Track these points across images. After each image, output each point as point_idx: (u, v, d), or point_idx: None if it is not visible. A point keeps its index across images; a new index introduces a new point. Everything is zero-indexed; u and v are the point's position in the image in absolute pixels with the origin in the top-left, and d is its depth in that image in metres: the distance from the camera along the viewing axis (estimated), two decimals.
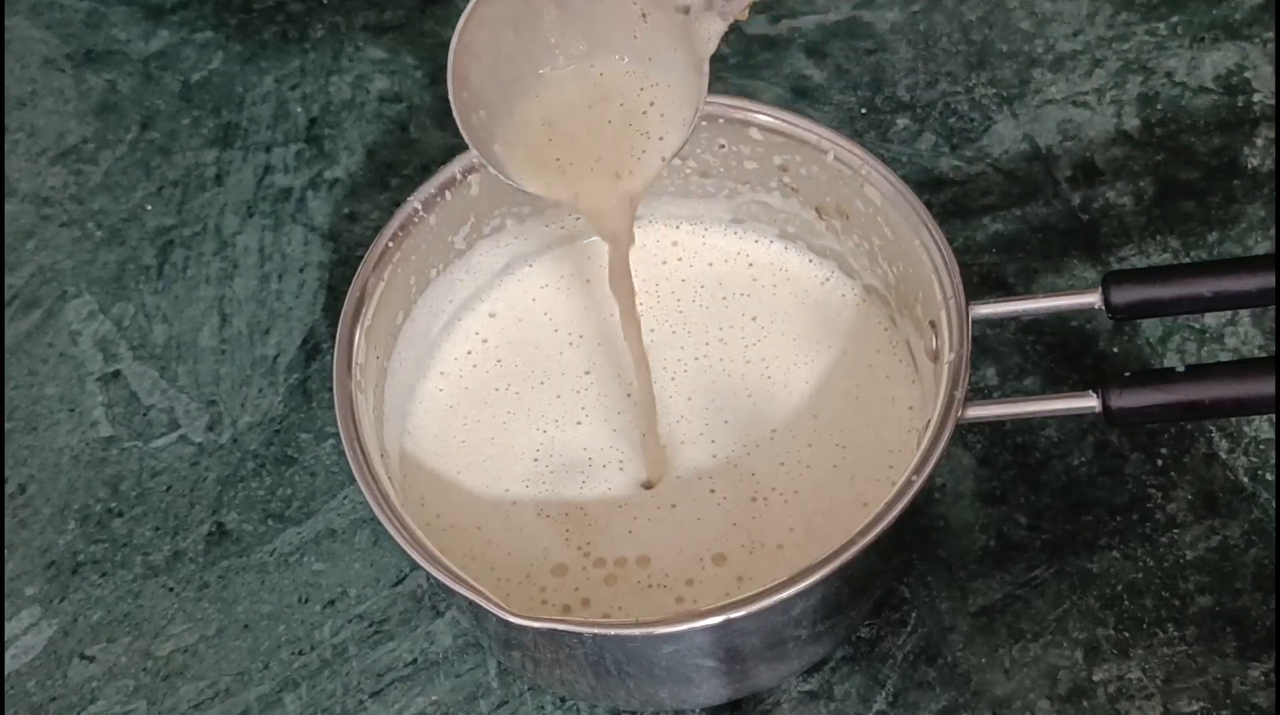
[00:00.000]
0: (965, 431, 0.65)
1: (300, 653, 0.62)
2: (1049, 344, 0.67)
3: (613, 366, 0.65)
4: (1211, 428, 0.64)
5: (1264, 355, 0.66)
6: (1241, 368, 0.53)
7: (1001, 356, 0.67)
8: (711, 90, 0.76)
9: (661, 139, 0.57)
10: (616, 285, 0.59)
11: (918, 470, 0.53)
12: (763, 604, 0.51)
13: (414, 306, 0.63)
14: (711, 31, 0.55)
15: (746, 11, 0.55)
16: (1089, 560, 0.62)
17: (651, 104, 0.57)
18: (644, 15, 0.55)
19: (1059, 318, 0.68)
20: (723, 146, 0.64)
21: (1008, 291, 0.69)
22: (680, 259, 0.68)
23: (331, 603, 0.63)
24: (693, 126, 0.56)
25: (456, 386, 0.65)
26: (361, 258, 0.60)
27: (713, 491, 0.61)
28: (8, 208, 0.77)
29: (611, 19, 0.56)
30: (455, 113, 0.55)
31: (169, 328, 0.72)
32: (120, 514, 0.66)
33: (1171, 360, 0.67)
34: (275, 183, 0.76)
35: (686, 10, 0.54)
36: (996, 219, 0.72)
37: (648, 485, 0.61)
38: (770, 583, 0.51)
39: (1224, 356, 0.67)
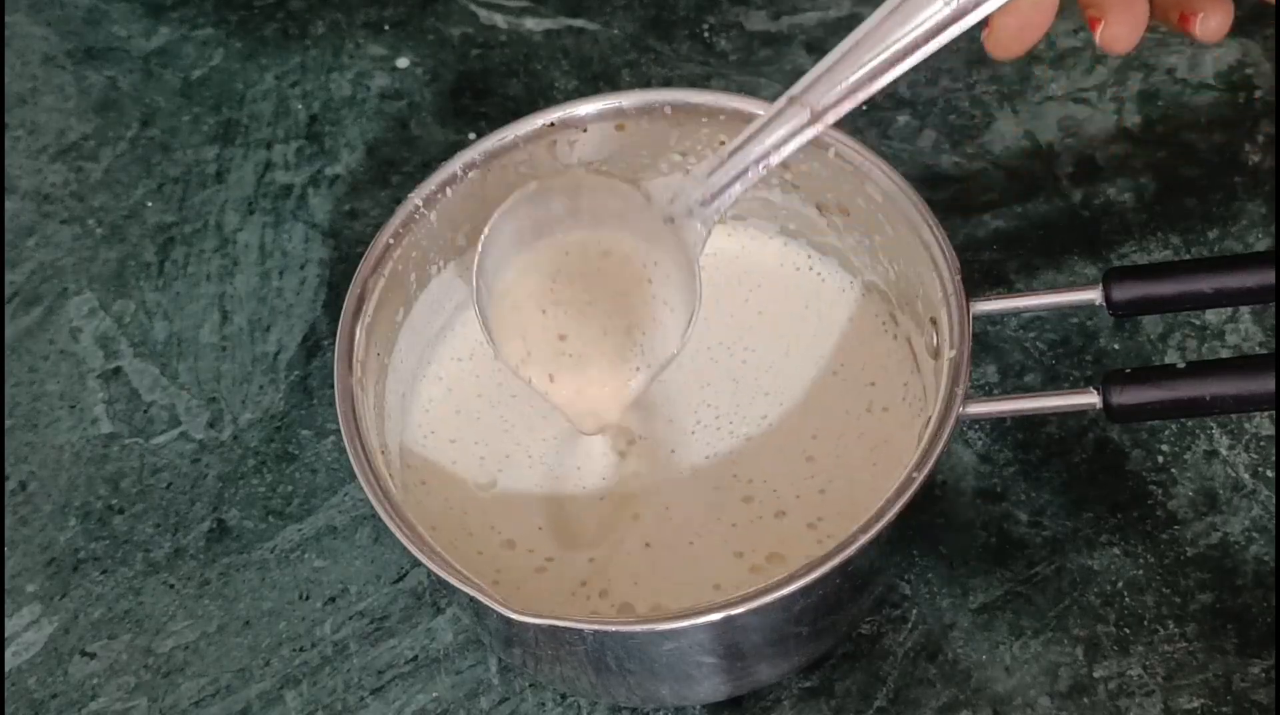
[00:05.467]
0: (966, 428, 0.65)
1: (301, 650, 0.62)
2: (1050, 341, 0.67)
3: None
4: (1212, 424, 0.64)
5: (1265, 352, 0.66)
6: (1242, 364, 0.53)
7: (1002, 353, 0.67)
8: (712, 87, 0.77)
9: (661, 329, 0.59)
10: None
11: (918, 467, 0.53)
12: (763, 600, 0.51)
13: (415, 303, 0.63)
14: (697, 236, 0.57)
15: (727, 217, 0.61)
16: (1090, 557, 0.62)
17: (651, 282, 0.59)
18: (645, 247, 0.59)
19: (1060, 314, 0.68)
20: (723, 142, 0.64)
21: (1008, 288, 0.69)
22: None
23: (332, 600, 0.63)
24: (692, 325, 0.58)
25: (457, 383, 0.64)
26: (362, 255, 0.60)
27: (712, 489, 0.61)
28: (8, 205, 0.77)
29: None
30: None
31: (170, 325, 0.72)
32: (121, 511, 0.66)
33: (1172, 357, 0.67)
34: (276, 179, 0.76)
35: (671, 220, 0.57)
36: (997, 216, 0.72)
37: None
38: (770, 580, 0.51)
39: (1225, 353, 0.67)
